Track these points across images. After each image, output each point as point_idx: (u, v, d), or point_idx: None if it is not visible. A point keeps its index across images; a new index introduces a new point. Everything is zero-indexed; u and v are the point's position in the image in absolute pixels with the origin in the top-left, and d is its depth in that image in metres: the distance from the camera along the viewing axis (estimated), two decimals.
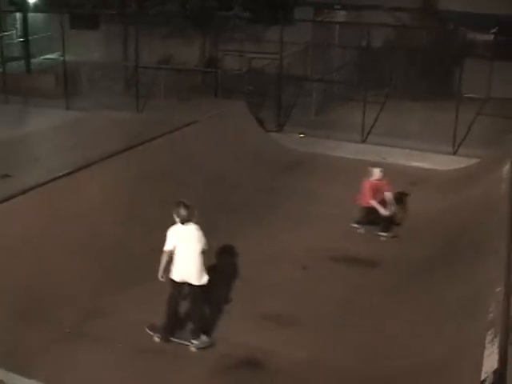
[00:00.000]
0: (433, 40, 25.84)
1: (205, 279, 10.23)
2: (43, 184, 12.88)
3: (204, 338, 10.28)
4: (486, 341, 8.47)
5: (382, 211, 14.67)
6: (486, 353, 8.20)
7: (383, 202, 14.87)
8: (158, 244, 13.07)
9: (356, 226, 14.98)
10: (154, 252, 12.81)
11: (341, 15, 29.53)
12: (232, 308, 11.34)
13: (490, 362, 7.92)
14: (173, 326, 10.39)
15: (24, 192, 12.39)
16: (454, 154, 19.98)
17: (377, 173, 15.07)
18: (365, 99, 21.41)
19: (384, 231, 14.71)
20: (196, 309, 10.46)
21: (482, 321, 9.32)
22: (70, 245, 12.09)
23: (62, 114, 22.33)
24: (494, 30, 24.72)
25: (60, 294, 11.10)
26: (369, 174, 15.14)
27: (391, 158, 19.34)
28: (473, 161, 18.78)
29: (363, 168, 15.83)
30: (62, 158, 14.97)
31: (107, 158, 14.78)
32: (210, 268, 12.31)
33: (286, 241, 14.09)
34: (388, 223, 14.84)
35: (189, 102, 22.89)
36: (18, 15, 32.68)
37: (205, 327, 10.46)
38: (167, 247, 10.30)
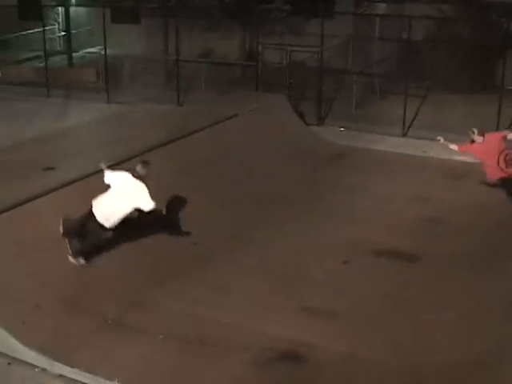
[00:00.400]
0: (475, 32, 25.53)
1: (107, 224, 11.43)
2: (86, 177, 13.03)
3: (81, 260, 11.49)
4: None
5: None
6: None
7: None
8: (199, 238, 13.23)
9: None
10: (195, 245, 13.00)
11: (381, 7, 29.28)
12: (273, 301, 11.36)
13: None
14: (74, 232, 11.48)
15: (66, 185, 12.56)
16: None
17: (477, 137, 14.23)
18: (406, 92, 21.25)
19: None
20: (92, 235, 11.55)
21: None
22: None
23: (104, 108, 22.50)
24: None
25: (102, 285, 11.25)
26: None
27: (433, 152, 19.16)
28: None
29: (404, 161, 15.71)
30: (104, 152, 15.08)
31: (149, 151, 14.89)
32: (251, 261, 12.47)
33: (327, 234, 14.06)
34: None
35: (229, 95, 22.92)
36: (60, 9, 32.96)
37: (89, 253, 11.63)
38: (106, 178, 11.79)
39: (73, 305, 10.68)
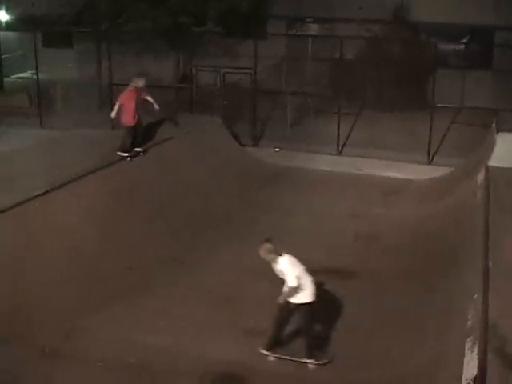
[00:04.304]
0: (405, 51, 26.00)
1: None
2: (17, 205, 12.79)
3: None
4: (466, 348, 8.51)
5: None
6: (466, 360, 8.24)
7: None
8: (135, 262, 13.11)
9: None
10: (132, 270, 12.87)
11: (313, 28, 29.64)
12: (212, 324, 11.31)
13: (470, 369, 7.95)
14: None
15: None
16: (430, 163, 20.11)
17: None
18: (339, 111, 21.48)
19: None
20: None
21: (460, 328, 9.37)
22: (47, 264, 12.01)
23: (37, 133, 22.19)
24: (464, 40, 24.95)
25: (37, 314, 11.02)
26: None
27: (367, 169, 19.41)
28: (448, 170, 18.88)
29: (340, 179, 15.83)
30: (37, 178, 14.85)
31: (84, 176, 14.74)
32: (189, 284, 12.38)
33: None
34: None
35: (164, 118, 22.80)
36: None
37: None
38: None
39: (7, 334, 10.43)
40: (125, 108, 16.32)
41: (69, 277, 12.03)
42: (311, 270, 13.19)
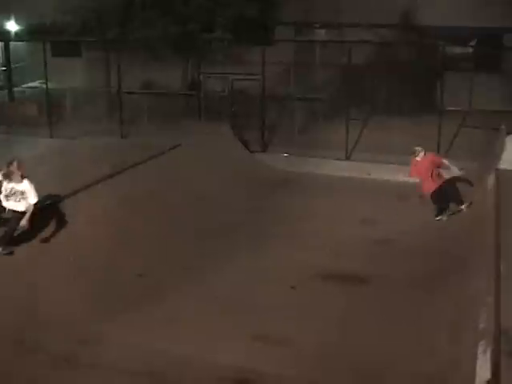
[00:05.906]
0: (413, 55, 25.97)
1: None
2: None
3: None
4: (479, 351, 8.48)
5: None
6: (479, 364, 8.21)
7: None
8: (146, 269, 13.09)
9: None
10: (142, 276, 12.87)
11: (321, 34, 29.63)
12: (223, 330, 11.27)
13: (483, 372, 7.91)
14: None
15: None
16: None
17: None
18: (347, 116, 21.46)
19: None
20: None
21: (473, 332, 9.33)
22: (58, 271, 12.05)
23: (46, 142, 22.26)
24: (472, 43, 24.89)
25: (47, 320, 11.03)
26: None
27: (376, 174, 19.37)
28: None
29: (349, 184, 15.80)
30: (48, 186, 14.89)
31: (94, 184, 14.80)
32: (198, 291, 12.36)
33: (274, 261, 14.04)
34: None
35: (172, 126, 22.85)
36: (0, 44, 32.68)
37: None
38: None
39: (18, 341, 10.45)
40: (423, 177, 16.70)
41: (80, 284, 12.06)
42: (321, 275, 13.32)
